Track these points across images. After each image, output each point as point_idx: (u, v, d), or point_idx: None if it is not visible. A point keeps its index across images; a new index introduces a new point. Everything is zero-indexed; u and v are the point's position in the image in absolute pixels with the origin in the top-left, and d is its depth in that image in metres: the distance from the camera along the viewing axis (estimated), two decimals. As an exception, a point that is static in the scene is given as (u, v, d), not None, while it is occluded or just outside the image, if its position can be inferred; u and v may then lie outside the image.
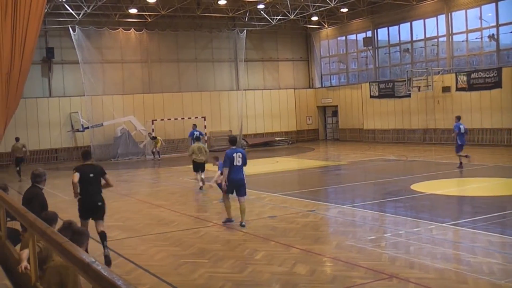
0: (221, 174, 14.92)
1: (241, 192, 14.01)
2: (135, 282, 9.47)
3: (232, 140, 14.38)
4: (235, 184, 13.94)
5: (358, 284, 8.99)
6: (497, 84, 32.81)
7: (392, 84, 40.14)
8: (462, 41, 36.58)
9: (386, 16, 41.23)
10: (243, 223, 13.81)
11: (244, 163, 13.99)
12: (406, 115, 39.24)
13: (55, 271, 6.09)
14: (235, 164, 13.78)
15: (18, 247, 8.62)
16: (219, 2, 38.48)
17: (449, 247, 11.28)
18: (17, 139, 29.95)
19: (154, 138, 36.31)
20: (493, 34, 34.49)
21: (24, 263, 6.80)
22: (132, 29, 40.88)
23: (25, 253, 6.95)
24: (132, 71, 41.59)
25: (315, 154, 36.28)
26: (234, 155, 13.80)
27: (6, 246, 8.27)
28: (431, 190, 18.26)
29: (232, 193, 14.10)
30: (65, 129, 38.37)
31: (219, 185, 15.90)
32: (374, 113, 42.21)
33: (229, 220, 14.33)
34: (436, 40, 38.21)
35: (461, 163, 23.64)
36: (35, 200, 9.69)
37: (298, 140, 46.73)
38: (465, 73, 34.68)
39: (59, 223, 8.07)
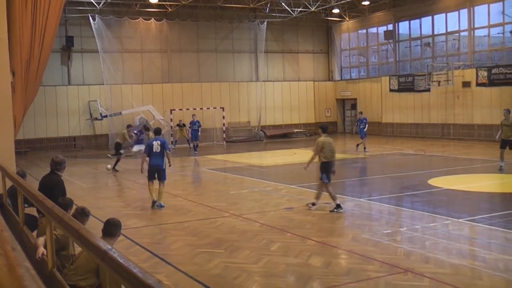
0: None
1: (160, 176, 15.85)
2: (151, 270, 9.49)
3: (157, 131, 16.88)
4: (154, 169, 15.83)
5: (373, 277, 8.99)
6: (518, 80, 32.48)
7: (412, 78, 39.90)
8: (484, 36, 36.25)
9: (408, 9, 40.96)
10: (159, 204, 15.61)
11: (165, 148, 15.76)
12: (426, 109, 39.01)
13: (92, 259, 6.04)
14: (154, 151, 15.67)
15: (35, 233, 8.73)
16: (240, -7, 38.46)
17: (465, 243, 11.25)
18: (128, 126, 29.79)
19: (184, 125, 34.51)
20: (515, 30, 34.18)
21: (41, 249, 6.84)
22: (153, 19, 40.92)
23: (41, 240, 7.00)
24: (152, 60, 41.69)
25: (333, 147, 36.11)
26: (154, 143, 15.80)
27: (24, 232, 8.36)
28: (448, 185, 18.18)
29: (154, 178, 15.87)
30: (83, 117, 38.54)
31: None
32: (393, 107, 42.01)
33: (154, 201, 15.73)
34: (457, 34, 37.88)
35: None
36: (56, 188, 9.66)
37: (317, 132, 46.36)
38: (486, 68, 34.34)
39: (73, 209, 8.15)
